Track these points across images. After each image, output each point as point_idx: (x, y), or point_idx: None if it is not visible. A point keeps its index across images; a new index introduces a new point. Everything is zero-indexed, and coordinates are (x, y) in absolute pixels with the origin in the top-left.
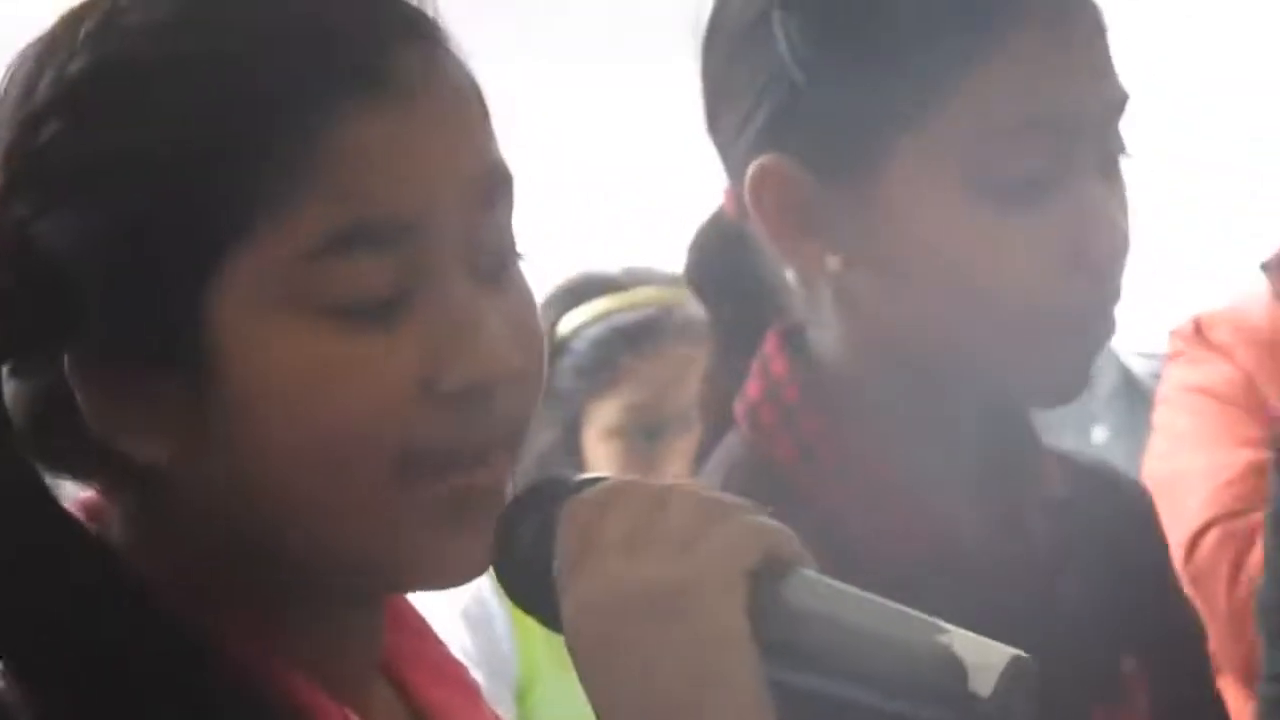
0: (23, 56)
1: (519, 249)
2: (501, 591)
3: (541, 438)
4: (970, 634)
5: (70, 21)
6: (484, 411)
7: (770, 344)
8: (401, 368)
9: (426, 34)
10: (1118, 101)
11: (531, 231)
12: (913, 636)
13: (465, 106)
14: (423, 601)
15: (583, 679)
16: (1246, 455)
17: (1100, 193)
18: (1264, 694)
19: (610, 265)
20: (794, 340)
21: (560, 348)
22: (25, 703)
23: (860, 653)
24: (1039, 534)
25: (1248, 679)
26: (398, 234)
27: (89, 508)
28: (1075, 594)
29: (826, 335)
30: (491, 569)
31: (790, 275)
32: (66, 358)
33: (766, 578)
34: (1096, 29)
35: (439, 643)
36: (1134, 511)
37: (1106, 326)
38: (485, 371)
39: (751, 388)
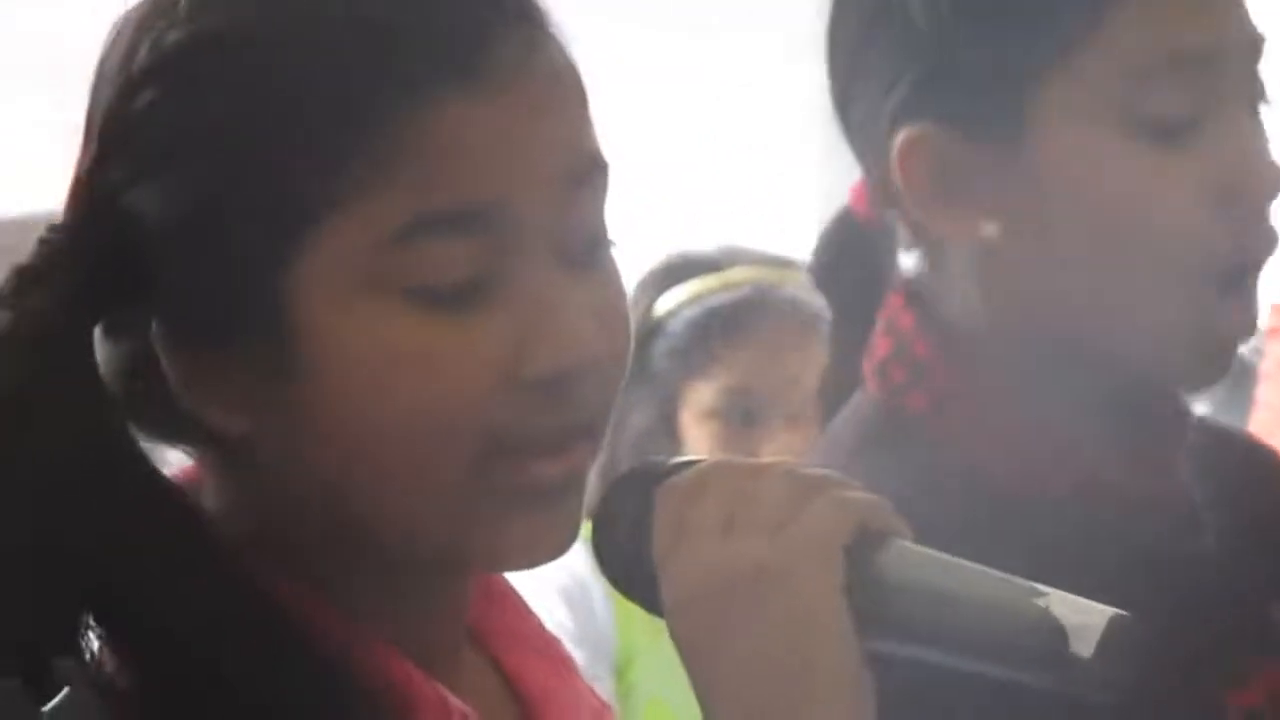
0: (125, 20)
1: (610, 236)
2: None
3: (638, 419)
4: (1069, 595)
5: None
6: (566, 399)
7: (894, 303)
8: (485, 354)
9: (528, 17)
10: (1257, 40)
11: (628, 210)
12: (1010, 600)
13: (561, 93)
14: (520, 578)
15: (685, 663)
16: None
17: (1251, 129)
18: None
19: (706, 244)
20: (916, 296)
21: (656, 329)
22: (121, 671)
23: (958, 619)
24: (1184, 481)
25: None
26: (484, 220)
27: (189, 474)
28: (1223, 540)
29: (958, 298)
30: (591, 553)
31: (912, 246)
32: (154, 325)
33: (861, 551)
34: None
35: (531, 615)
36: (1271, 468)
37: (1253, 315)
38: (568, 360)
39: (879, 346)
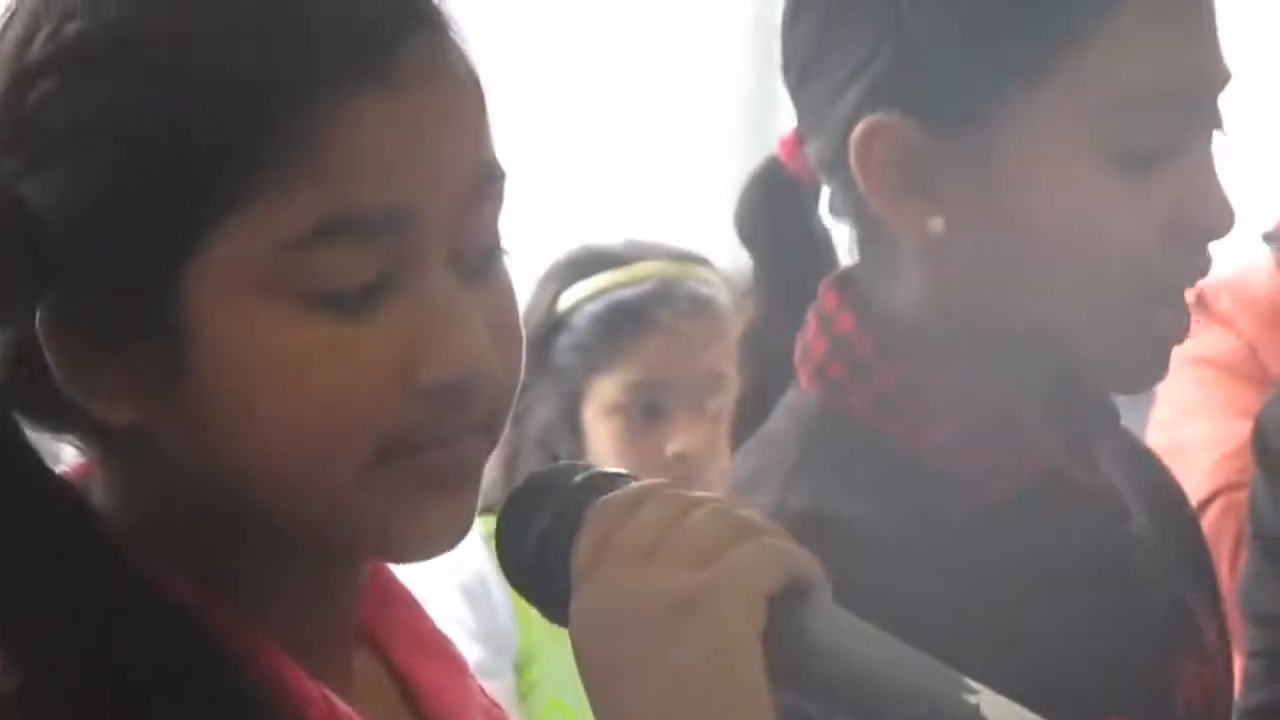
0: (18, 7)
1: (503, 244)
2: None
3: (541, 413)
4: (1000, 697)
5: None
6: (460, 406)
7: (829, 298)
8: (380, 359)
9: (432, 22)
10: (1226, 76)
11: (532, 204)
12: (939, 689)
13: (465, 100)
14: (421, 574)
15: (586, 681)
16: (1247, 426)
17: (1211, 163)
18: (1247, 669)
19: (611, 238)
20: (853, 292)
21: (560, 323)
22: (4, 672)
23: (880, 696)
24: (1111, 475)
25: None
26: (387, 225)
27: (80, 469)
28: (1147, 533)
29: (894, 292)
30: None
31: (857, 232)
32: (38, 315)
33: (787, 603)
34: (1209, 2)
35: (425, 616)
36: (1163, 468)
37: (1187, 323)
38: (463, 369)
39: (815, 345)
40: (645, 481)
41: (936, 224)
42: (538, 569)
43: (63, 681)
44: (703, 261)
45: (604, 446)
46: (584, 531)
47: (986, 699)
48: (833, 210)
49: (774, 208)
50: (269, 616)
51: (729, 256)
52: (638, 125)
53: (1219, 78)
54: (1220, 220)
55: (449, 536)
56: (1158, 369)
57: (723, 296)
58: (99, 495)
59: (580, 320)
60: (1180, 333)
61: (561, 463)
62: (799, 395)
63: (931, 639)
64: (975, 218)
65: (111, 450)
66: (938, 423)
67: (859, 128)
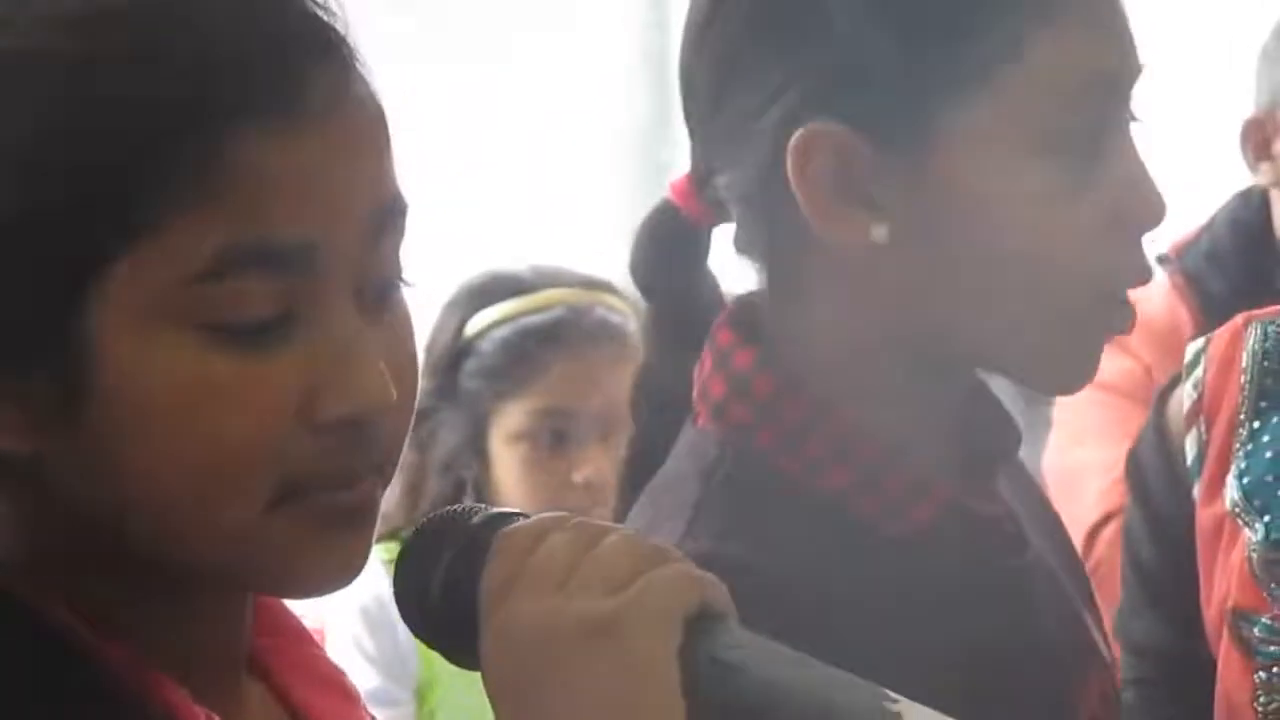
0: None
1: (404, 276)
2: None
3: (447, 439)
4: (920, 706)
5: None
6: (358, 442)
7: (724, 335)
8: (280, 394)
9: (336, 56)
10: (1140, 68)
11: (437, 229)
12: (860, 702)
13: (369, 133)
14: (321, 600)
15: (498, 712)
16: None
17: (1138, 155)
18: (1125, 698)
19: (517, 264)
20: (748, 329)
21: (466, 349)
22: None
23: (803, 716)
24: (1009, 501)
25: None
26: (288, 259)
27: None
28: (1042, 556)
29: (801, 319)
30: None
31: (768, 261)
32: None
33: (701, 626)
34: None
35: (317, 647)
36: (1039, 488)
37: (1129, 314)
38: (363, 405)
39: (713, 386)
40: (549, 514)
41: (879, 232)
42: (443, 610)
43: None
44: (610, 288)
45: (510, 473)
46: (492, 562)
47: (906, 707)
48: (739, 245)
49: (668, 251)
50: (159, 648)
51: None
52: (534, 148)
53: (1138, 68)
54: (1154, 209)
55: (343, 577)
56: (1090, 368)
57: (631, 324)
58: None
59: (487, 346)
60: (1121, 326)
61: (456, 506)
62: (698, 434)
63: None
64: (914, 226)
65: (2, 481)
66: (838, 463)
67: (797, 137)
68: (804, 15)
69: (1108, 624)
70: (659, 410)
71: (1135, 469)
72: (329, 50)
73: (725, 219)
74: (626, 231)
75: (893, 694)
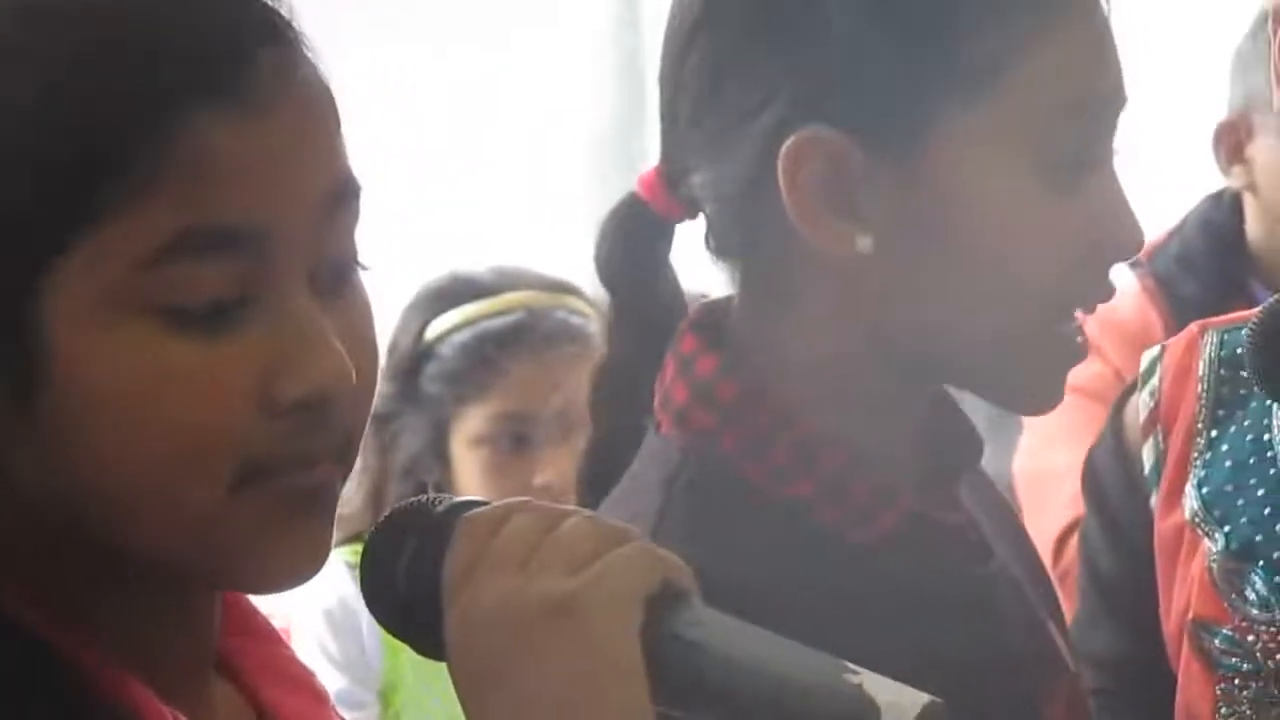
0: None
1: (361, 260)
2: None
3: (408, 443)
4: (880, 676)
5: None
6: (317, 424)
7: (687, 343)
8: (237, 378)
9: (283, 39)
10: (1126, 97)
11: (409, 225)
12: (820, 674)
13: (318, 115)
14: (285, 600)
15: (461, 695)
16: None
17: (1118, 183)
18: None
19: (478, 266)
20: (712, 335)
21: (427, 353)
22: None
23: (761, 688)
24: (971, 510)
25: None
26: (242, 242)
27: None
28: (1005, 565)
29: (773, 324)
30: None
31: (745, 263)
32: None
33: (663, 604)
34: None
35: (286, 648)
36: (1001, 497)
37: (1084, 343)
38: (321, 385)
39: (676, 392)
40: (512, 499)
41: (864, 242)
42: (407, 598)
43: None
44: (573, 290)
45: (472, 477)
46: (455, 546)
47: (867, 678)
48: (712, 246)
49: (634, 246)
50: (124, 646)
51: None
52: (507, 145)
53: (1124, 96)
54: (1131, 239)
55: (307, 567)
56: (1059, 390)
57: (593, 326)
58: None
59: (448, 350)
60: (1081, 352)
61: (420, 496)
62: (660, 441)
63: None
64: (898, 235)
65: None
66: (801, 470)
67: (790, 142)
68: (801, 20)
69: None
70: (617, 407)
71: (1092, 476)
72: (275, 34)
73: (692, 216)
74: (597, 225)
75: (852, 665)
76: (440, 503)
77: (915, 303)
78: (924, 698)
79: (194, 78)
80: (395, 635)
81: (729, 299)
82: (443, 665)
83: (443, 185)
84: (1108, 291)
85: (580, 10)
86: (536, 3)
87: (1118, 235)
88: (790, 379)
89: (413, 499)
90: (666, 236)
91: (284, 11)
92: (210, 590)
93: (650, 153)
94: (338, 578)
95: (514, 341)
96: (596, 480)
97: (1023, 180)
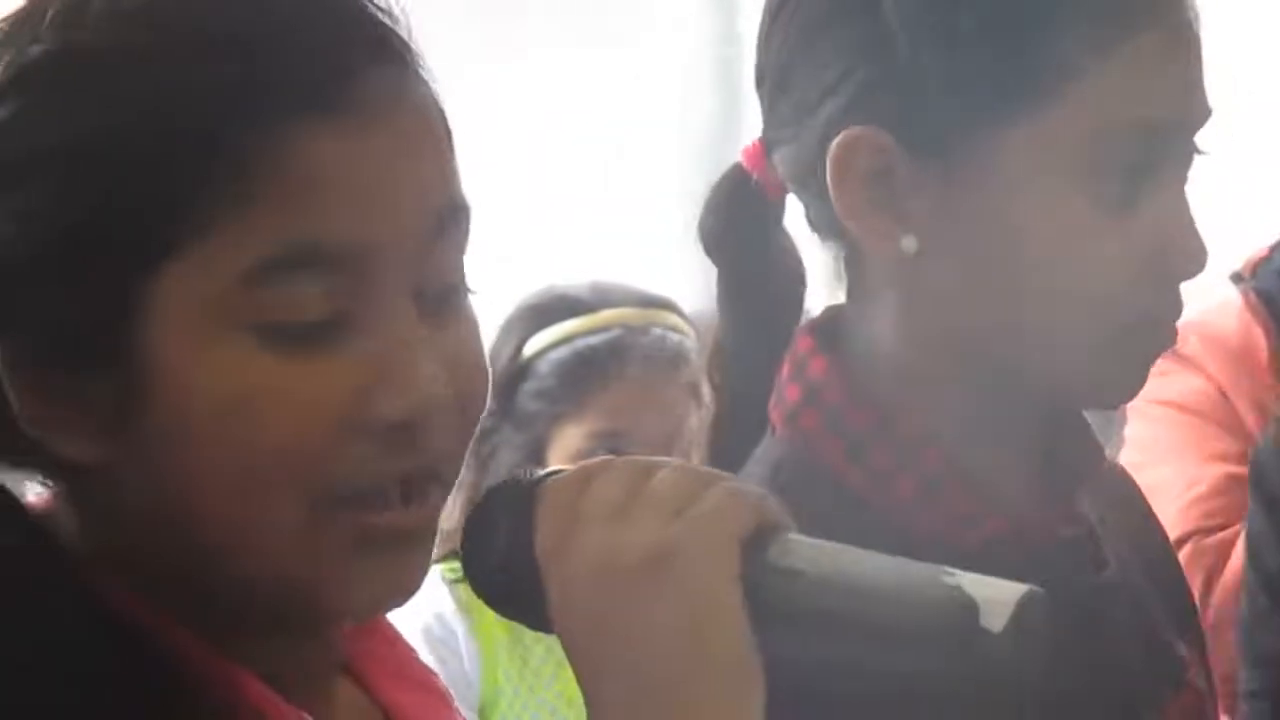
0: None
1: (469, 282)
2: (464, 609)
3: (505, 459)
4: (980, 576)
5: (40, 3)
6: (411, 446)
7: (803, 344)
8: (330, 396)
9: (395, 57)
10: (1207, 113)
11: (499, 244)
12: (919, 581)
13: (427, 135)
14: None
15: (571, 657)
16: (1217, 470)
17: (1186, 202)
18: (1245, 711)
19: (576, 282)
20: (827, 336)
21: (524, 370)
22: None
23: (861, 604)
24: (1091, 519)
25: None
26: (343, 259)
27: (45, 506)
28: (1124, 573)
29: (873, 322)
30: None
31: (834, 255)
32: (1, 352)
33: (758, 544)
34: (1197, 39)
35: (408, 648)
36: (1144, 504)
37: (1172, 334)
38: (415, 406)
39: (789, 391)
40: (590, 460)
41: (909, 244)
42: (508, 574)
43: (29, 714)
44: (670, 307)
45: None
46: (543, 513)
47: (964, 578)
48: (810, 225)
49: (738, 216)
50: (245, 648)
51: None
52: (603, 159)
53: (1202, 115)
54: (1194, 262)
55: (398, 594)
56: (1133, 385)
57: (690, 343)
58: (65, 530)
59: (545, 367)
60: (1162, 346)
61: (514, 473)
62: (771, 440)
63: (888, 696)
64: (947, 240)
65: (75, 486)
66: (901, 477)
67: (839, 139)
68: (864, 18)
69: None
70: (734, 384)
71: (1260, 476)
72: (386, 51)
73: (788, 191)
74: (691, 236)
75: (949, 569)
76: (526, 476)
77: (969, 307)
78: (1021, 589)
79: (302, 92)
80: (504, 614)
81: (845, 296)
82: (539, 678)
83: (536, 199)
84: (1175, 308)
85: (676, 22)
86: (632, 16)
87: (1177, 256)
88: (886, 382)
89: (504, 479)
90: (769, 207)
91: (400, 31)
92: (307, 617)
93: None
94: (436, 594)
95: (611, 359)
96: (719, 456)
97: (1078, 195)
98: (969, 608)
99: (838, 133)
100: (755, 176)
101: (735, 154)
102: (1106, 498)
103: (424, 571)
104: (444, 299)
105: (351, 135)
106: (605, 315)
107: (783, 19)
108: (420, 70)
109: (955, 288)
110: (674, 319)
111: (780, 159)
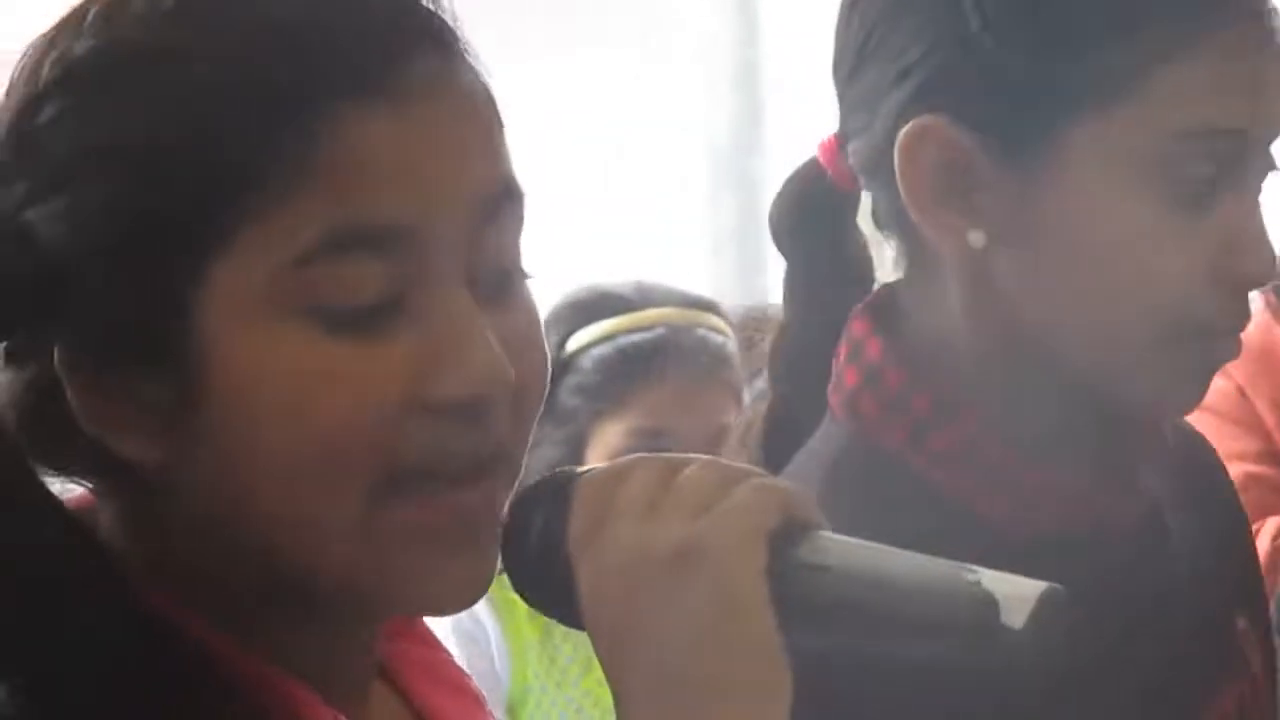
0: (39, 38)
1: (526, 267)
2: (495, 607)
3: (545, 455)
4: (1001, 573)
5: (83, 3)
6: (474, 428)
7: (858, 326)
8: (389, 378)
9: (442, 41)
10: None
11: (543, 240)
12: (941, 576)
13: (475, 116)
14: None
15: (599, 651)
16: (1236, 468)
17: (1257, 208)
18: None
19: (619, 280)
20: (884, 318)
21: (566, 366)
22: (8, 703)
23: (885, 598)
24: (1153, 496)
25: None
26: (395, 241)
27: (81, 505)
28: (1187, 546)
29: (935, 310)
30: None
31: (895, 243)
32: (56, 349)
33: (786, 539)
34: (1276, 41)
35: (443, 650)
36: (1221, 472)
37: (1234, 347)
38: (476, 385)
39: (847, 375)
40: (623, 458)
41: (976, 238)
42: (544, 568)
43: (69, 714)
44: (712, 308)
45: None
46: (575, 508)
47: (985, 575)
48: (876, 219)
49: (810, 211)
50: (284, 649)
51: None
52: (625, 161)
53: (1275, 123)
54: (1263, 269)
55: (472, 588)
56: (1194, 395)
57: (731, 345)
58: (105, 529)
59: (587, 363)
60: (1223, 358)
61: (551, 472)
62: (830, 425)
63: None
64: (1016, 236)
65: (120, 485)
66: (963, 462)
67: (908, 128)
68: (943, 5)
69: None
70: (795, 378)
71: None
72: (432, 35)
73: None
74: (714, 242)
75: (971, 566)
76: (562, 473)
77: (1036, 304)
78: (1040, 586)
79: (348, 77)
80: (538, 609)
81: (901, 281)
82: (566, 677)
83: (558, 202)
84: (1241, 316)
85: (697, 25)
86: (652, 18)
87: (1243, 265)
88: (950, 368)
89: (546, 474)
90: (839, 203)
91: (445, 16)
92: (368, 614)
93: (768, 170)
94: None
95: (653, 358)
96: (774, 449)
97: (1147, 198)
98: (989, 604)
99: (909, 121)
100: (828, 170)
101: (755, 156)
102: (1173, 466)
103: (494, 563)
104: (500, 283)
105: (400, 118)
106: (649, 314)
107: (861, 4)
108: (467, 56)
109: (1021, 284)
110: (717, 320)
111: (854, 149)
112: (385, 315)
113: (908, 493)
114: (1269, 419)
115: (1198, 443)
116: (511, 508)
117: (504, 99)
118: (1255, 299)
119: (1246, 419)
